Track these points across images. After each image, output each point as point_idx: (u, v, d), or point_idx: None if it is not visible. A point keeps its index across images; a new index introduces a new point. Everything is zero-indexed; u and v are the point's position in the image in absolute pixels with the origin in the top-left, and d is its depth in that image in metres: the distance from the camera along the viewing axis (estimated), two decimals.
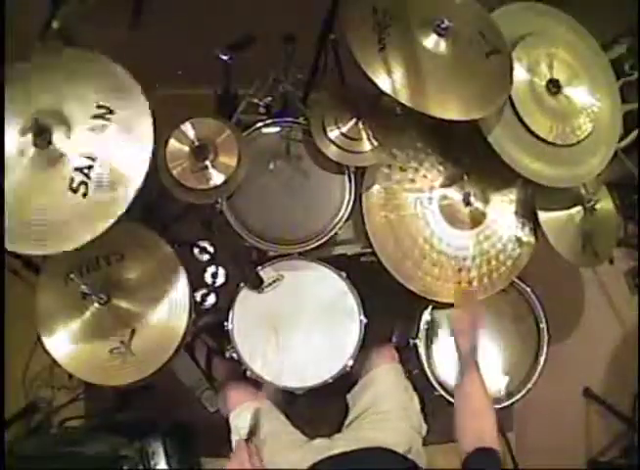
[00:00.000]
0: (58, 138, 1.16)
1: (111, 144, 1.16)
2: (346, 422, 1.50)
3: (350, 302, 1.51)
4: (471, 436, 1.15)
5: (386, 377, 1.50)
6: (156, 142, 1.18)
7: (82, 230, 1.13)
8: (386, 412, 1.42)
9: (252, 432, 1.32)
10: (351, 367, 1.47)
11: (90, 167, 1.15)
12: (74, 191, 1.14)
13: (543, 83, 1.46)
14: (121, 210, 1.13)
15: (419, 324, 1.60)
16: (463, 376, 1.29)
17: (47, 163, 1.16)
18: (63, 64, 1.22)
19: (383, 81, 1.24)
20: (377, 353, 1.58)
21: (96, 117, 1.17)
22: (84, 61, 1.22)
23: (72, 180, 1.14)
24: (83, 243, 1.12)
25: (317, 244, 1.47)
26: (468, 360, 1.31)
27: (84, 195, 1.14)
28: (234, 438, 1.43)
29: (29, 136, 1.15)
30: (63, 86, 1.19)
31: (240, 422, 1.42)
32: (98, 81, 1.19)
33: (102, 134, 1.16)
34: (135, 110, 1.18)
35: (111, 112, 1.17)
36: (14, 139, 1.16)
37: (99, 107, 1.17)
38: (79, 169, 1.15)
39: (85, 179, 1.14)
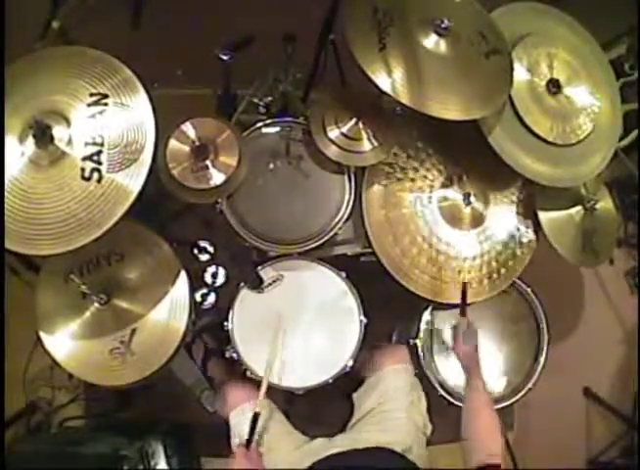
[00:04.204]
0: (59, 135, 1.16)
1: (113, 125, 1.18)
2: (350, 423, 1.49)
3: (350, 302, 1.51)
4: (480, 452, 1.19)
5: (393, 379, 1.49)
6: (156, 126, 1.19)
7: (104, 216, 1.14)
8: (388, 412, 1.42)
9: (251, 438, 1.31)
10: (351, 367, 1.47)
11: (99, 153, 1.16)
12: (87, 179, 1.15)
13: (543, 83, 1.46)
14: (138, 186, 1.15)
15: (419, 324, 1.60)
16: (472, 392, 1.34)
17: (52, 160, 1.16)
18: (50, 62, 1.23)
19: (383, 81, 1.24)
20: (385, 354, 1.56)
21: (91, 104, 1.18)
22: (67, 56, 1.24)
23: (84, 170, 1.15)
24: (108, 228, 1.13)
25: (317, 244, 1.46)
26: (477, 380, 1.36)
27: (98, 180, 1.15)
28: (233, 438, 1.42)
29: (30, 138, 1.15)
30: (54, 84, 1.20)
31: (239, 422, 1.41)
32: (85, 72, 1.21)
33: (102, 119, 1.18)
34: (127, 88, 1.20)
35: (105, 96, 1.19)
36: (14, 142, 1.17)
37: (92, 95, 1.19)
38: (88, 158, 1.16)
39: (96, 166, 1.16)
